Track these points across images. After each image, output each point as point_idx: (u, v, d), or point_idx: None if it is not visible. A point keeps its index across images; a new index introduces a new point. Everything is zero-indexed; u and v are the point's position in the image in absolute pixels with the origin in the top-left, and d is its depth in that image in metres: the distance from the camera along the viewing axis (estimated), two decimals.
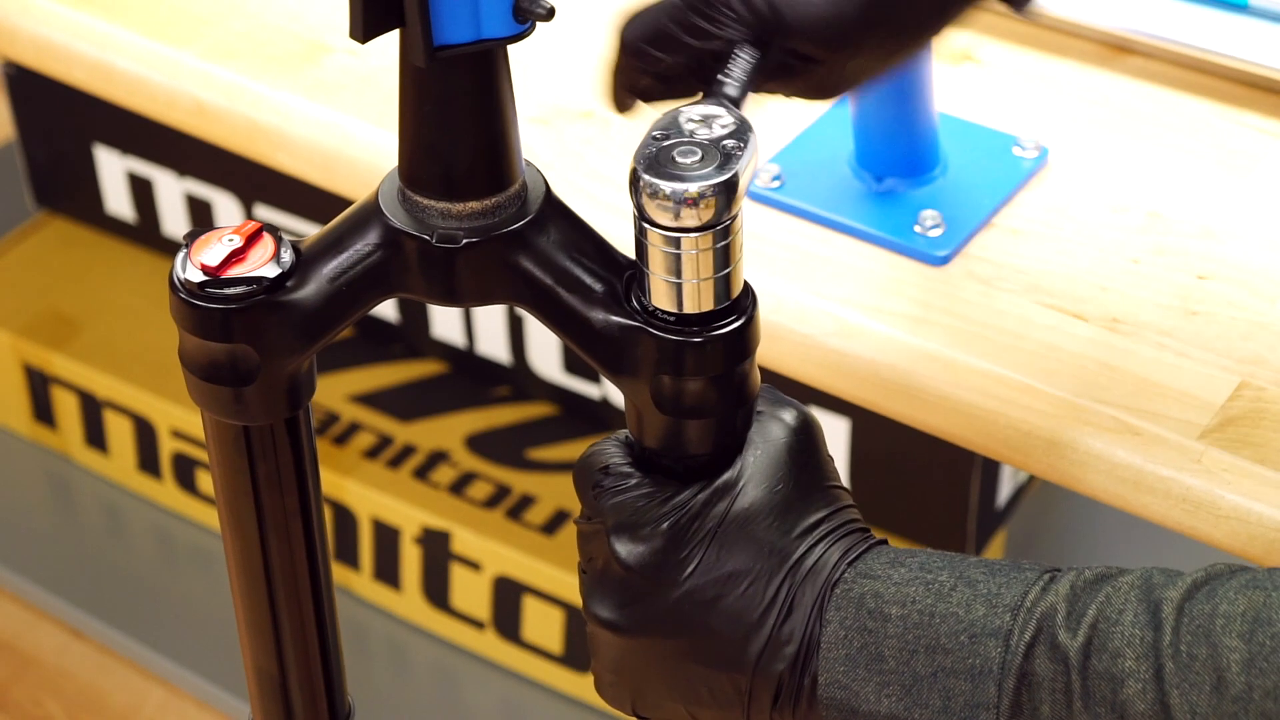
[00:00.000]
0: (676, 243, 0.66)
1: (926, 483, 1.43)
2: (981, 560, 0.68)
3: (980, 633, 0.65)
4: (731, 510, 0.69)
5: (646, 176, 0.65)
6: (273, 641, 0.79)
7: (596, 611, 0.71)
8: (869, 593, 0.67)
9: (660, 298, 0.68)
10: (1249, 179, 0.97)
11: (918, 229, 0.94)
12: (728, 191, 0.65)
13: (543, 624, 1.56)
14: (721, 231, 0.66)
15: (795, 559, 0.68)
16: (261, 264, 0.69)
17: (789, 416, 0.72)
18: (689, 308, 0.68)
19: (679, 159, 0.66)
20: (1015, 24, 1.08)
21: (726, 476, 0.70)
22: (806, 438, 0.71)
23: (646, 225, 0.66)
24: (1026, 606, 0.65)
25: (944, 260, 0.93)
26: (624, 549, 0.69)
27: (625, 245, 0.71)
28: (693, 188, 0.65)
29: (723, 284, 0.67)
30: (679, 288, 0.67)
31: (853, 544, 0.69)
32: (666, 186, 0.65)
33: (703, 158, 0.66)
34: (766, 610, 0.68)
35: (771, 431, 0.71)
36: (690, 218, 0.65)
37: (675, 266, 0.67)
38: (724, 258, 0.67)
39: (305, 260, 0.70)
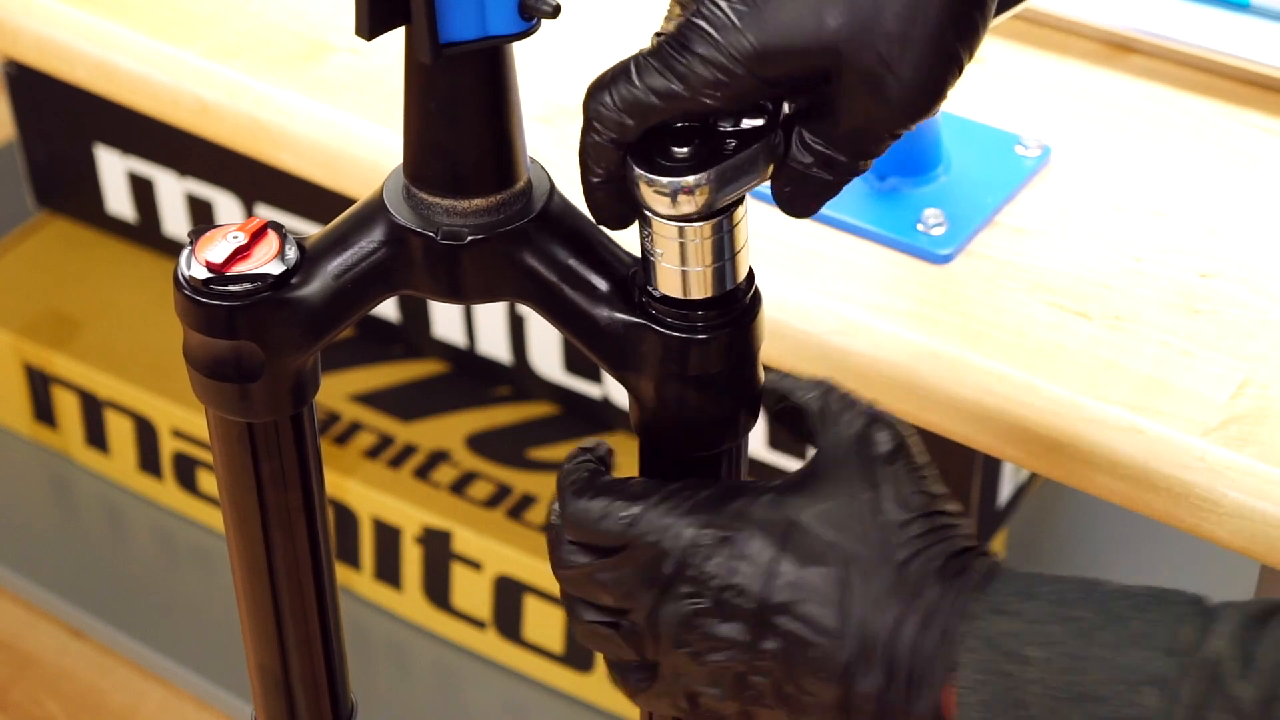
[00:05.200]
0: (680, 231, 0.66)
1: None
2: (1120, 590, 0.64)
3: (1137, 680, 0.61)
4: (802, 515, 0.67)
5: (638, 169, 0.65)
6: (276, 639, 0.79)
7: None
8: (1003, 632, 0.63)
9: (666, 283, 0.68)
10: (1251, 177, 0.98)
11: (920, 227, 0.94)
12: (720, 180, 0.65)
13: (544, 624, 1.56)
14: (723, 218, 0.66)
15: (898, 561, 0.66)
16: (266, 261, 0.70)
17: (871, 426, 0.69)
18: (695, 293, 0.68)
19: (675, 149, 0.66)
20: (1018, 23, 1.08)
21: (790, 479, 0.68)
22: (896, 447, 0.68)
23: (649, 215, 0.66)
24: (1182, 649, 0.61)
25: (947, 259, 0.93)
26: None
27: (627, 243, 0.71)
28: (689, 178, 0.65)
29: (728, 270, 0.67)
30: (684, 274, 0.67)
31: (950, 555, 0.66)
32: (662, 177, 0.65)
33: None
34: (845, 620, 0.65)
35: (844, 434, 0.69)
36: (688, 204, 0.65)
37: (679, 253, 0.67)
38: (727, 244, 0.67)
39: (310, 257, 0.70)
